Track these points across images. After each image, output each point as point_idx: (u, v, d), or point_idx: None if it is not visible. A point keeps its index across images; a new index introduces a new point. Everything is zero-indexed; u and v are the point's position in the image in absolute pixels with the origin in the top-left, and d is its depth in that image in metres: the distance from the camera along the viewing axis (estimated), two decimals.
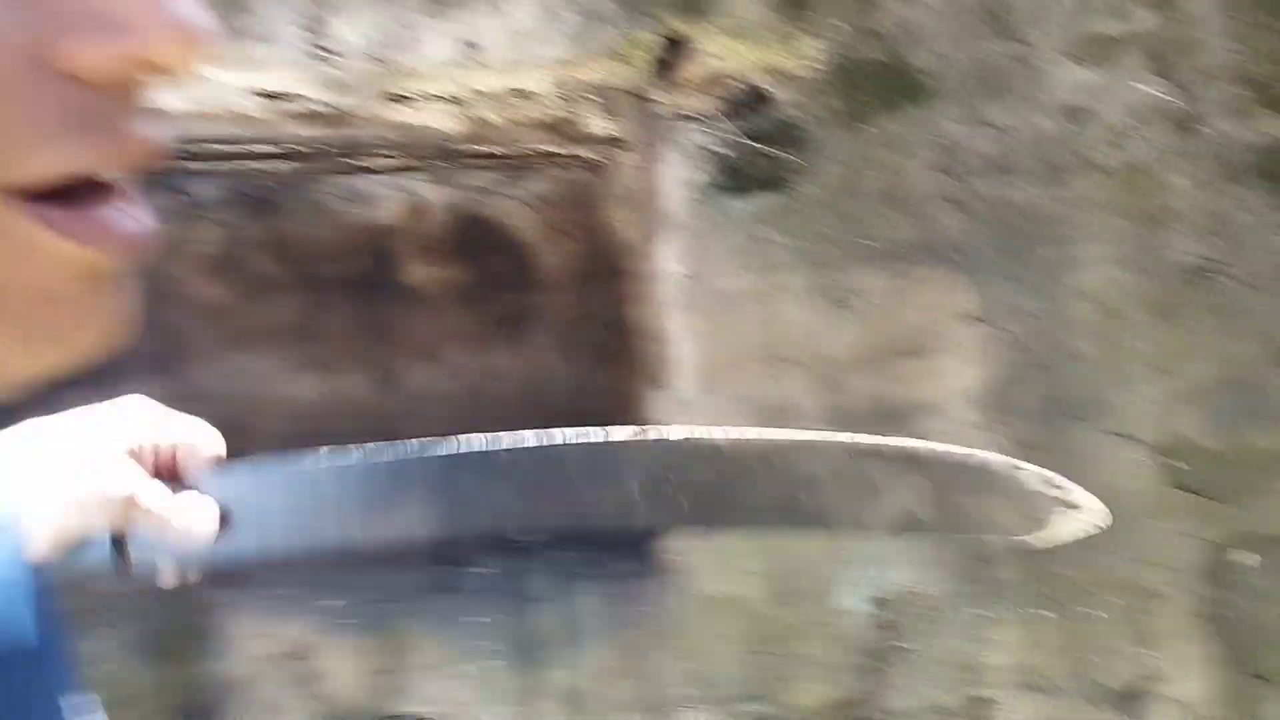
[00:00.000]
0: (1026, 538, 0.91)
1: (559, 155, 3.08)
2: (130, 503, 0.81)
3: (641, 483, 0.89)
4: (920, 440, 0.90)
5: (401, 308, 3.70)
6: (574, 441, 0.90)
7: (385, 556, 1.03)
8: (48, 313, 0.40)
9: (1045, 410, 2.50)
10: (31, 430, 0.82)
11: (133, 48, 0.39)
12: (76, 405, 0.86)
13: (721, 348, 2.54)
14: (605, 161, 3.20)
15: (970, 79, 2.46)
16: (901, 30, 2.48)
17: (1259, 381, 2.48)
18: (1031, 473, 0.92)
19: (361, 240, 3.69)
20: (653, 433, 0.90)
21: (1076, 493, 0.95)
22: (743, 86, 2.53)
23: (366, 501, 0.90)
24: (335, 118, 2.69)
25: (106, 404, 0.88)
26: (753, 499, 0.92)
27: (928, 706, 2.49)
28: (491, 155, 3.17)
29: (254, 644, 2.50)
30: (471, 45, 2.37)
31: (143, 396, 0.91)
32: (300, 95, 2.54)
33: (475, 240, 3.71)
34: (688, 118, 2.56)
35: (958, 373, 2.50)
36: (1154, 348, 2.49)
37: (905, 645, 2.51)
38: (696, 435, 0.89)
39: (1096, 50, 2.45)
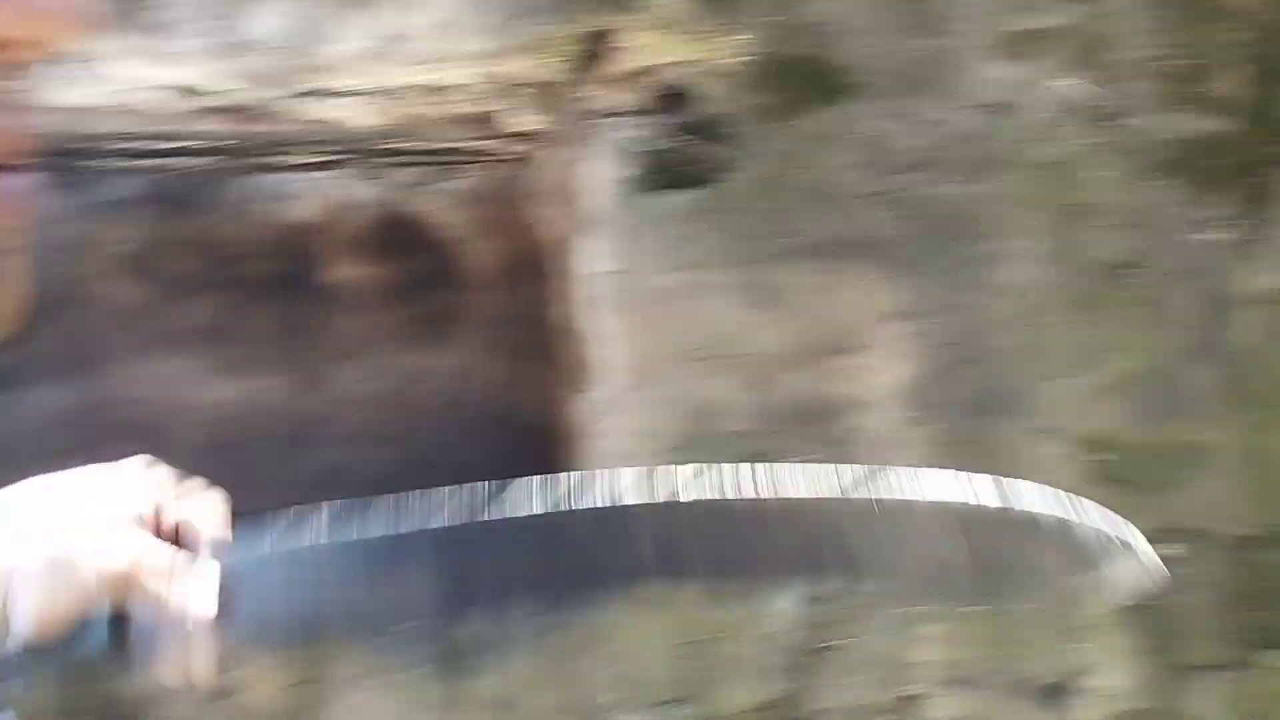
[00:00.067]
0: (1079, 599, 0.84)
1: (483, 151, 3.03)
2: (133, 574, 0.75)
3: (658, 547, 0.84)
4: (962, 487, 0.82)
5: (324, 308, 3.61)
6: (585, 506, 0.84)
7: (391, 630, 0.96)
8: None
9: (972, 406, 2.51)
10: (24, 490, 0.77)
11: None
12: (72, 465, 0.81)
13: (649, 346, 2.51)
14: (530, 157, 3.15)
15: (895, 75, 2.46)
16: (826, 26, 2.46)
17: (1180, 374, 2.51)
18: (1086, 522, 0.87)
19: (283, 239, 3.60)
20: (663, 489, 0.84)
21: (1134, 538, 0.88)
22: (668, 81, 2.50)
23: (374, 582, 0.85)
24: (251, 113, 2.62)
25: (108, 465, 0.83)
26: (773, 559, 0.87)
27: (857, 705, 2.48)
28: (415, 151, 3.11)
29: None
30: (391, 38, 2.31)
31: (148, 457, 0.86)
32: (213, 90, 2.46)
33: (399, 238, 3.64)
34: (613, 113, 2.53)
35: (885, 369, 2.49)
36: (1077, 342, 2.50)
37: (834, 643, 2.50)
38: (713, 496, 0.83)
39: (1019, 45, 2.46)
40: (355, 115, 2.62)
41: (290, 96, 2.44)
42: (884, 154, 2.46)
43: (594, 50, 2.48)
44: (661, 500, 0.82)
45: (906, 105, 2.46)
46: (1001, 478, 0.83)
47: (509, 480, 0.89)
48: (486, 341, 3.58)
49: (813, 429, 2.49)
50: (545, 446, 3.26)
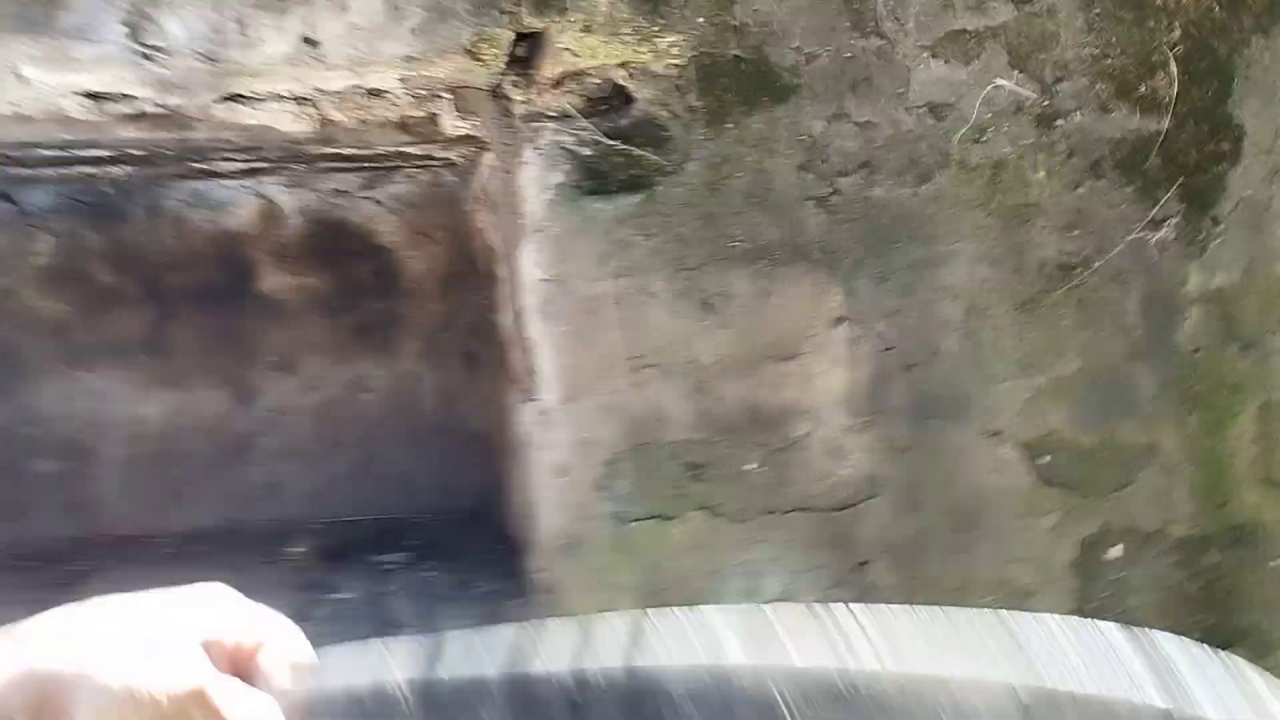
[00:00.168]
0: None
1: (415, 156, 2.95)
2: (198, 702, 0.73)
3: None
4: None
5: (257, 318, 3.52)
6: (679, 666, 0.77)
7: None
8: None
9: (915, 410, 2.47)
10: (95, 608, 0.75)
11: None
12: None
13: (586, 354, 2.45)
14: (464, 163, 3.08)
15: (833, 76, 2.41)
16: (762, 26, 2.41)
17: (1122, 375, 2.49)
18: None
19: (211, 248, 3.50)
20: (773, 652, 0.76)
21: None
22: (602, 84, 2.44)
23: None
24: (168, 119, 2.52)
25: (182, 588, 0.79)
26: None
27: None
28: (344, 157, 3.03)
29: None
30: (310, 41, 2.22)
31: (222, 584, 0.82)
32: (127, 95, 2.36)
33: (333, 246, 3.56)
34: (546, 117, 2.46)
35: (827, 375, 2.45)
36: (1020, 344, 2.47)
37: None
38: (816, 668, 0.75)
39: (957, 45, 2.42)
40: (279, 120, 2.53)
41: (210, 102, 2.34)
42: (823, 156, 2.41)
43: (525, 52, 2.41)
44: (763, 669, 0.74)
45: (845, 107, 2.41)
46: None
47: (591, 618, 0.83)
48: (425, 351, 3.51)
49: (756, 437, 2.44)
50: (488, 457, 3.19)
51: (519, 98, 2.45)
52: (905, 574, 2.47)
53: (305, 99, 2.48)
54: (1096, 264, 2.45)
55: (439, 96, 2.52)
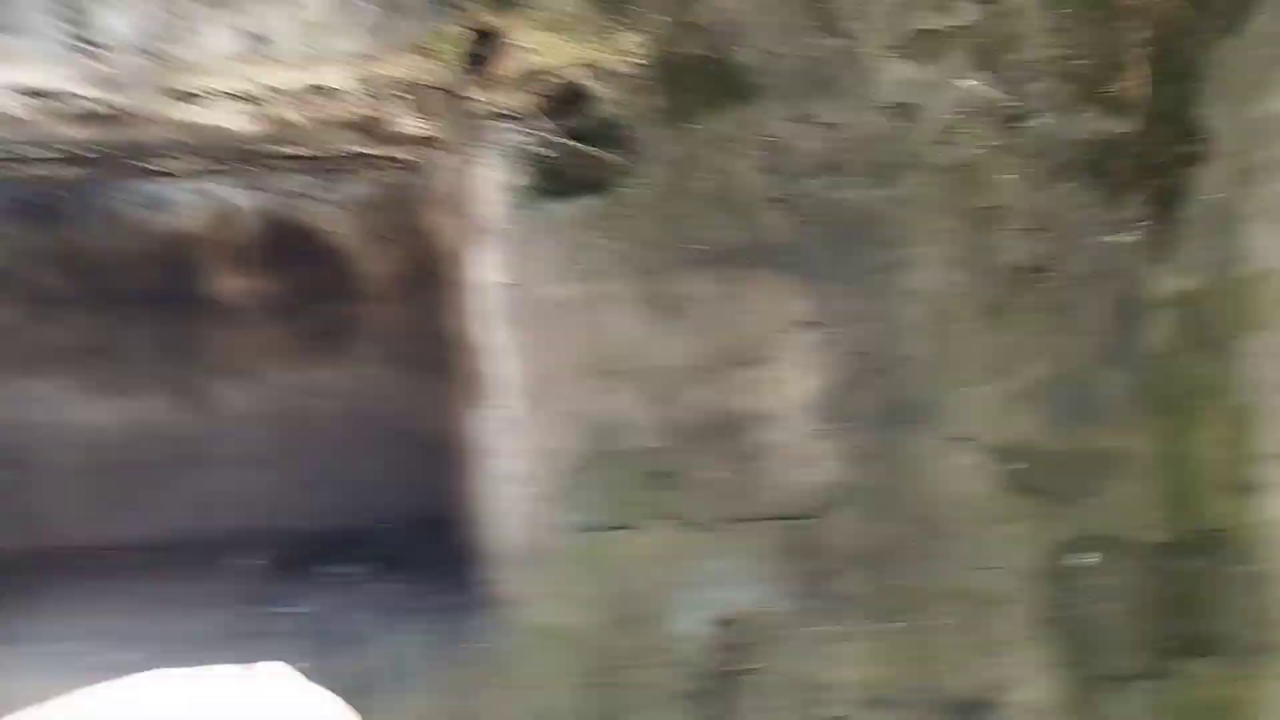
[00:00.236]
0: None
1: (371, 156, 2.88)
2: None
3: None
4: None
5: (208, 322, 3.44)
6: None
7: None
8: None
9: (883, 416, 2.43)
10: (156, 686, 0.73)
11: None
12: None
13: (547, 360, 2.39)
14: (421, 163, 3.01)
15: (797, 76, 2.37)
16: (725, 26, 2.37)
17: (1090, 379, 2.46)
18: None
19: (161, 250, 3.42)
20: None
21: None
22: (561, 83, 2.39)
23: None
24: (118, 119, 2.44)
25: (242, 668, 0.76)
26: None
27: None
28: (298, 157, 2.95)
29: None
30: (259, 38, 2.15)
31: (283, 665, 0.78)
32: (70, 93, 2.28)
33: (288, 248, 3.48)
34: (505, 116, 2.40)
35: (793, 380, 2.41)
36: (988, 349, 2.44)
37: (750, 666, 2.41)
38: None
39: (922, 45, 2.38)
40: (228, 119, 2.45)
41: (152, 99, 2.26)
42: (788, 158, 2.37)
43: (481, 50, 2.35)
44: None
45: (809, 107, 2.37)
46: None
47: None
48: (382, 356, 3.44)
49: (719, 444, 2.40)
50: (447, 465, 3.13)
51: (478, 97, 2.40)
52: (873, 583, 2.42)
53: (257, 98, 2.41)
54: (1065, 267, 2.42)
55: (395, 96, 2.46)
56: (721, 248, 2.37)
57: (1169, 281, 2.45)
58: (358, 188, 3.36)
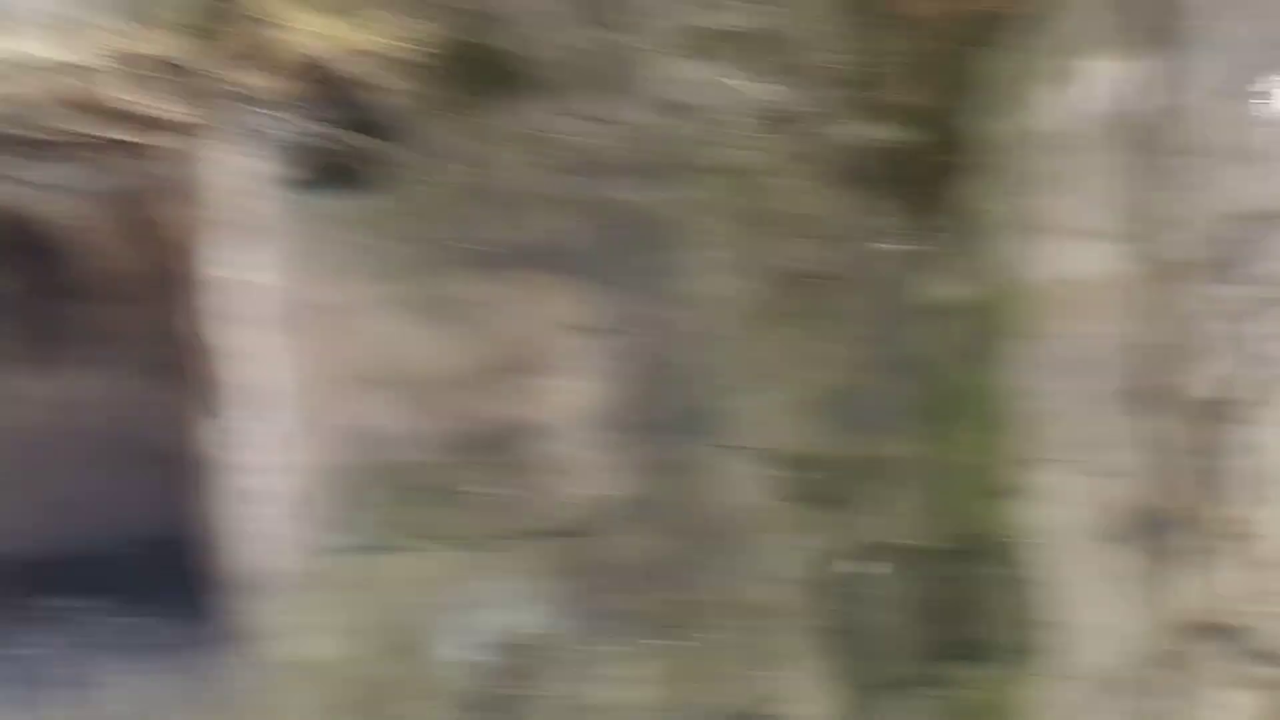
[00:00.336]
0: None
1: (105, 141, 2.62)
2: None
3: None
4: None
5: None
6: None
7: None
8: None
9: (663, 424, 2.38)
10: None
11: None
12: None
13: (307, 368, 2.24)
14: (165, 151, 2.77)
15: (579, 70, 2.30)
16: (502, 16, 2.27)
17: (866, 387, 2.47)
18: None
19: None
20: None
21: None
22: (329, 69, 2.23)
23: None
24: None
25: None
26: None
27: None
28: (30, 141, 2.67)
29: None
30: None
31: None
32: None
33: (9, 241, 3.14)
34: (263, 102, 2.23)
35: (573, 388, 2.33)
36: (765, 356, 2.42)
37: (526, 692, 2.29)
38: None
39: (700, 44, 2.35)
40: None
41: None
42: (567, 155, 2.29)
43: (236, 29, 2.17)
44: None
45: (588, 104, 2.30)
46: None
47: None
48: (115, 361, 3.15)
49: (494, 457, 2.28)
50: (184, 482, 2.88)
51: (236, 80, 2.21)
52: (653, 599, 2.36)
53: None
54: (840, 274, 2.43)
55: (146, 76, 2.24)
56: (499, 248, 2.29)
57: (938, 290, 2.49)
58: (87, 176, 3.06)
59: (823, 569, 2.46)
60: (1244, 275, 2.41)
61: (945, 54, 2.46)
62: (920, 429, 2.51)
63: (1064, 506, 2.55)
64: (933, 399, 2.51)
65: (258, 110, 2.24)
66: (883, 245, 2.48)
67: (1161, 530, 2.56)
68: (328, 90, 2.24)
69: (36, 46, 2.09)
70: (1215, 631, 2.50)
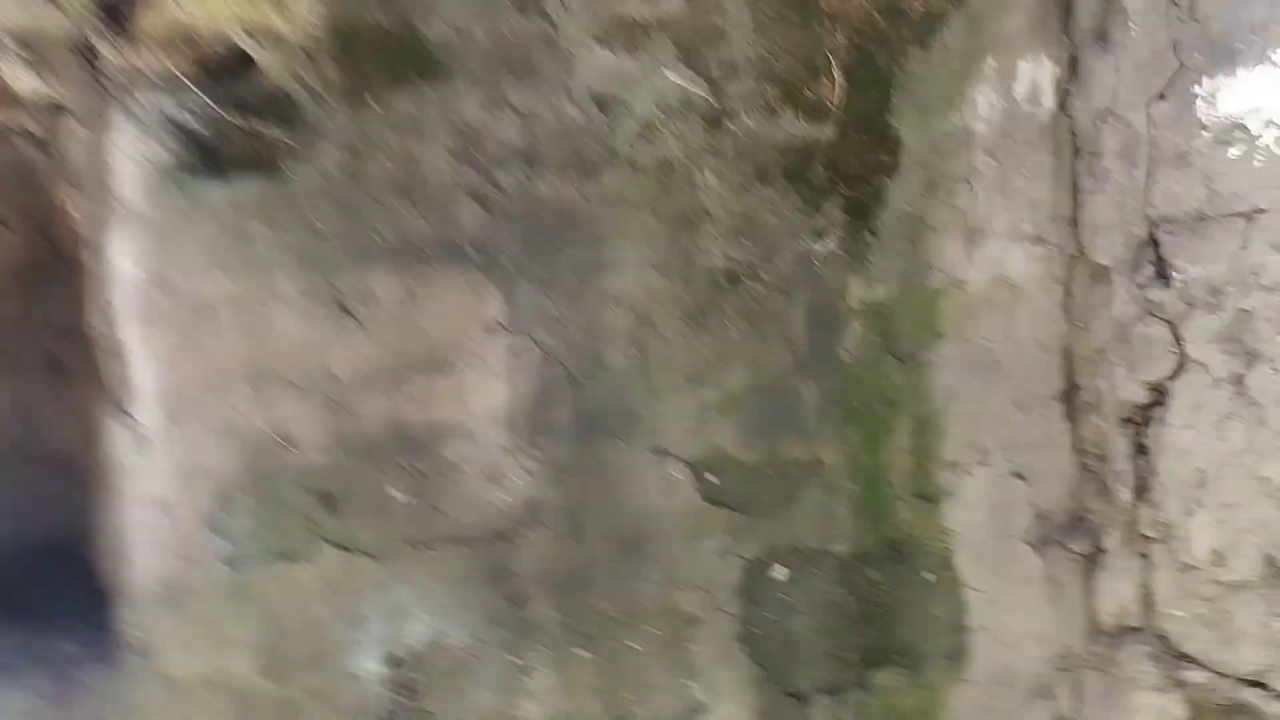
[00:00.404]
0: None
1: None
2: None
3: None
4: None
5: None
6: None
7: None
8: None
9: (580, 428, 2.28)
10: None
11: None
12: None
13: (196, 366, 2.09)
14: (45, 132, 2.58)
15: (492, 57, 2.18)
16: None
17: (788, 390, 2.41)
18: None
19: None
20: None
21: None
22: (221, 47, 2.09)
23: None
24: None
25: None
26: None
27: None
28: None
29: None
30: None
31: None
32: None
33: None
34: (147, 80, 2.08)
35: (483, 390, 2.21)
36: (688, 357, 2.34)
37: (428, 707, 2.18)
38: None
39: (625, 35, 2.25)
40: None
41: None
42: (481, 146, 2.17)
43: (121, 2, 2.01)
44: None
45: (505, 92, 2.18)
46: None
47: None
48: None
49: (401, 461, 2.15)
50: (73, 487, 2.71)
51: (111, 55, 2.05)
52: (567, 608, 2.26)
53: None
54: (763, 274, 2.36)
55: (5, 47, 2.06)
56: (405, 241, 2.15)
57: (860, 291, 2.44)
58: None
59: (740, 574, 2.40)
60: (1165, 278, 2.40)
61: (874, 51, 2.40)
62: (845, 432, 2.45)
63: (981, 509, 2.52)
64: (857, 401, 2.45)
65: (142, 89, 2.07)
66: (803, 244, 2.41)
67: (1077, 533, 2.55)
68: (219, 69, 2.08)
69: None
70: (1129, 634, 2.50)
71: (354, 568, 2.15)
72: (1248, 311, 2.26)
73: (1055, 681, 2.57)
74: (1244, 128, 2.24)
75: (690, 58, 2.30)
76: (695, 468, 2.35)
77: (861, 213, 2.43)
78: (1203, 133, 2.30)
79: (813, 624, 2.43)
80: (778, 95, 2.36)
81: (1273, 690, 2.30)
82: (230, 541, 2.08)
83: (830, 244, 2.41)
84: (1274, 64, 2.22)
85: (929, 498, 2.49)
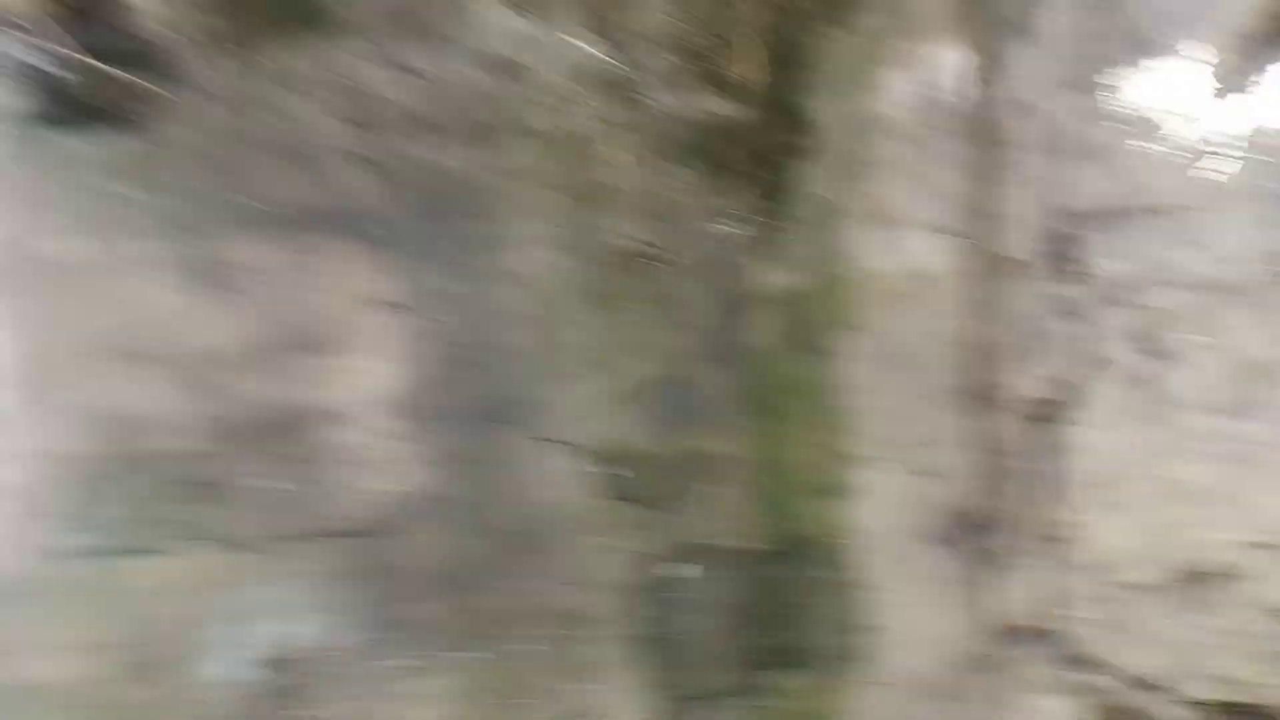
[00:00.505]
0: None
1: None
2: None
3: None
4: None
5: None
6: None
7: None
8: None
9: (470, 414, 2.18)
10: None
11: None
12: None
13: (47, 337, 1.97)
14: None
15: (386, 13, 2.06)
16: None
17: (692, 378, 2.33)
18: None
19: None
20: None
21: None
22: None
23: None
24: None
25: None
26: None
27: None
28: None
29: None
30: None
31: None
32: None
33: None
34: (2, 21, 1.92)
35: (368, 371, 2.12)
36: (589, 341, 2.25)
37: (307, 713, 2.06)
38: None
39: None
40: None
41: None
42: (374, 109, 2.07)
43: None
44: None
45: (402, 52, 2.07)
46: None
47: None
48: None
49: (272, 447, 2.04)
50: None
51: None
52: (454, 607, 2.15)
53: None
54: (672, 256, 2.27)
55: None
56: (285, 208, 2.05)
57: (773, 277, 2.36)
58: None
59: (638, 572, 2.32)
60: (1077, 273, 2.38)
61: (786, 29, 2.33)
62: (742, 423, 2.38)
63: (885, 506, 2.48)
64: (763, 392, 2.38)
65: None
66: (712, 227, 2.33)
67: (982, 532, 2.52)
68: (80, 12, 1.93)
69: None
70: (1033, 636, 2.48)
71: (222, 562, 2.05)
72: (1161, 309, 2.25)
73: (950, 683, 2.55)
74: (1161, 122, 2.24)
75: (601, 25, 2.20)
76: (588, 459, 2.26)
77: (774, 196, 2.36)
78: (1120, 126, 2.29)
79: (708, 624, 2.35)
80: (685, 68, 2.27)
81: (1174, 694, 2.30)
82: (84, 532, 1.98)
83: (734, 227, 2.34)
84: (1191, 58, 2.22)
85: (828, 493, 2.43)
